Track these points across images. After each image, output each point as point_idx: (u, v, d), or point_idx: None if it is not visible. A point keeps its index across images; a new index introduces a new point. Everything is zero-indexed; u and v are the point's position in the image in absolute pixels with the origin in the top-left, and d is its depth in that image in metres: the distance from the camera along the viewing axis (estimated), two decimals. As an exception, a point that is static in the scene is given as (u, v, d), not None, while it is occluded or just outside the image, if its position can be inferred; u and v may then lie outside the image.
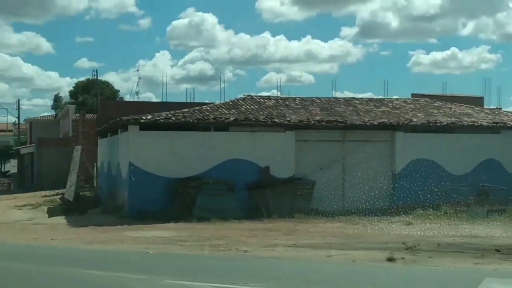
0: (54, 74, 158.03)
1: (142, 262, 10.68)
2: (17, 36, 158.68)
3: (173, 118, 20.49)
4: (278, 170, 20.68)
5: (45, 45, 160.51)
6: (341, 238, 14.15)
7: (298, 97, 25.66)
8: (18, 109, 58.82)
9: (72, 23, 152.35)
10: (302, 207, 19.72)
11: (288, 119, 21.55)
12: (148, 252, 11.93)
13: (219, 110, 22.23)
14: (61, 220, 19.45)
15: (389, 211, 19.21)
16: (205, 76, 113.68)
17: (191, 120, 20.56)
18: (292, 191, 20.31)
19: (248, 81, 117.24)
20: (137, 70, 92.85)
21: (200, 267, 10.16)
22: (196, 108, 22.64)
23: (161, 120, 20.22)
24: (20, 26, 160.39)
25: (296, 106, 23.97)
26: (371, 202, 19.98)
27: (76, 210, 21.31)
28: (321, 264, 10.62)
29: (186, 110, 22.06)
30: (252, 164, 20.50)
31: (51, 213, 21.48)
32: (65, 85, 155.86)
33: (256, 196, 19.97)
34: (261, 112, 22.35)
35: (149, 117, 20.14)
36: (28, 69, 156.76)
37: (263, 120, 21.23)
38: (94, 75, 36.07)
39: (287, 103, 24.38)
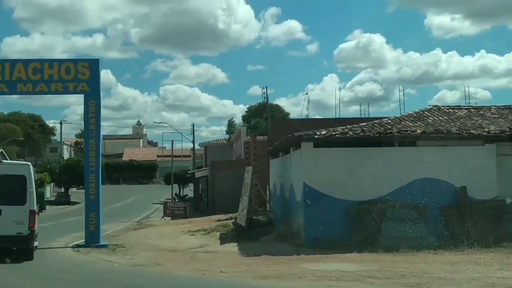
0: (228, 102, 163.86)
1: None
2: (194, 68, 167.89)
3: (350, 132, 18.25)
4: (477, 191, 17.42)
5: (220, 75, 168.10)
6: None
7: (494, 106, 22.16)
8: (193, 133, 60.43)
9: (244, 53, 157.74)
10: (510, 235, 16.35)
11: (486, 130, 18.27)
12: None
13: (403, 122, 19.59)
14: (232, 247, 17.99)
15: None
16: (374, 97, 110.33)
17: (371, 134, 18.18)
18: (496, 216, 17.02)
19: (419, 100, 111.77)
20: (306, 93, 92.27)
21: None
22: (375, 121, 20.24)
23: (337, 135, 18.08)
24: (197, 58, 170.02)
25: (492, 116, 20.56)
26: None
27: (249, 236, 19.82)
28: None
29: (364, 124, 19.74)
30: (445, 184, 17.49)
31: (223, 239, 20.20)
32: (238, 112, 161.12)
33: (452, 221, 16.96)
34: (452, 124, 19.32)
35: (323, 132, 18.11)
36: (205, 98, 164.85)
37: (457, 132, 18.18)
38: (265, 97, 34.86)
39: (481, 112, 21.05)
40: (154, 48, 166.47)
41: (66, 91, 19.26)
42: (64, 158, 73.37)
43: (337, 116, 40.07)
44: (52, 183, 65.88)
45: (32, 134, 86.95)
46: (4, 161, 19.78)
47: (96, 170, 19.01)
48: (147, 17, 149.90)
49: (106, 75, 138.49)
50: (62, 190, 66.26)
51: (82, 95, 19.19)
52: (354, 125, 19.42)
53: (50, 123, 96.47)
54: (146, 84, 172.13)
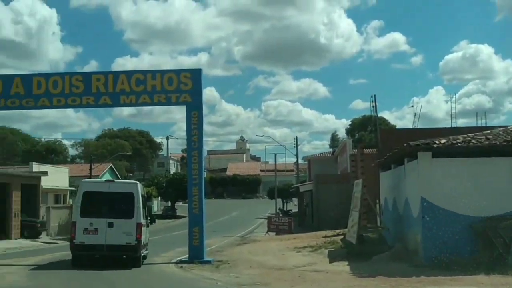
0: (330, 117, 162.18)
1: None
2: (296, 84, 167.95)
3: (473, 141, 16.44)
4: None
5: (322, 90, 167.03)
6: None
7: None
8: (296, 146, 59.42)
9: (346, 67, 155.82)
10: None
11: None
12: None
13: (531, 130, 17.49)
14: (343, 267, 16.64)
15: None
16: (483, 109, 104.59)
17: (498, 143, 16.27)
18: None
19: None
20: (412, 106, 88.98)
21: None
22: (500, 129, 18.26)
23: (459, 144, 16.33)
24: (298, 74, 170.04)
25: None
26: None
27: (360, 255, 18.35)
28: None
29: (488, 132, 17.84)
30: None
31: (332, 257, 18.87)
32: (341, 126, 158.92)
33: None
34: None
35: (443, 141, 16.40)
36: (307, 113, 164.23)
37: None
38: (373, 106, 33.21)
39: None
40: (256, 64, 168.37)
41: (168, 102, 18.83)
42: (171, 173, 74.72)
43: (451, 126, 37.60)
44: (159, 197, 67.21)
45: (140, 150, 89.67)
46: (116, 180, 21.69)
47: (199, 183, 18.37)
48: (250, 34, 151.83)
49: (210, 92, 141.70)
50: (169, 204, 67.51)
51: (185, 106, 18.67)
52: (477, 133, 17.58)
53: (157, 138, 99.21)
54: (249, 100, 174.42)
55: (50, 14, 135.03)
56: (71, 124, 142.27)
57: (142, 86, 18.39)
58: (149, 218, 20.03)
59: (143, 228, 17.93)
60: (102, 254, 17.80)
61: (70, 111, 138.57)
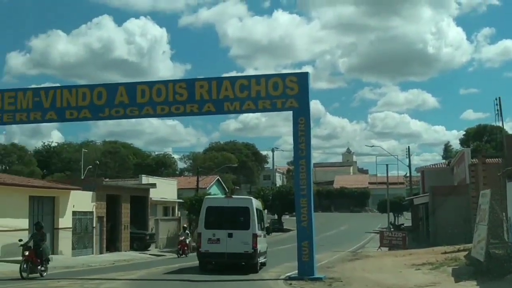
0: (440, 128, 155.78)
1: None
2: (403, 95, 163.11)
3: None
4: None
5: (431, 100, 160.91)
6: None
7: None
8: (409, 157, 56.64)
9: (455, 76, 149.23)
10: None
11: None
12: None
13: None
14: (471, 287, 14.74)
15: None
16: None
17: None
18: None
19: None
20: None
21: None
22: None
23: None
24: (405, 85, 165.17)
25: None
26: None
27: (489, 274, 16.31)
28: None
29: None
30: None
31: (457, 276, 16.93)
32: (452, 137, 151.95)
33: None
34: None
35: None
36: (415, 124, 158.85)
37: None
38: (497, 110, 30.46)
39: None
40: (362, 76, 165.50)
41: (273, 108, 17.77)
42: (276, 185, 74.02)
43: None
44: (265, 210, 66.66)
45: (246, 162, 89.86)
46: (233, 196, 25.30)
47: (308, 194, 17.13)
48: (354, 46, 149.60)
49: (315, 105, 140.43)
50: (275, 217, 66.68)
51: (290, 113, 17.53)
52: None
53: (263, 151, 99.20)
54: (355, 113, 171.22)
55: (161, 33, 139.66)
56: (181, 139, 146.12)
57: (246, 92, 17.47)
58: (265, 230, 22.76)
59: (258, 238, 20.06)
60: (224, 261, 20.18)
61: (179, 127, 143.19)
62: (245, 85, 17.51)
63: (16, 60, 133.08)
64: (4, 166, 75.55)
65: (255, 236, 19.73)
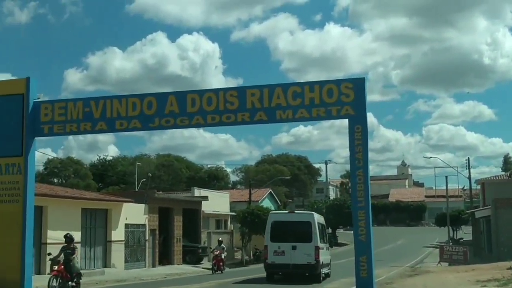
0: (497, 140, 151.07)
1: None
2: (458, 107, 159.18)
3: None
4: None
5: (487, 112, 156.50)
6: None
7: None
8: (469, 168, 54.64)
9: None
10: None
11: None
12: None
13: None
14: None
15: None
16: None
17: None
18: None
19: None
20: None
21: None
22: None
23: None
24: (461, 96, 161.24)
25: None
26: None
27: None
28: None
29: None
30: None
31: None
32: (509, 150, 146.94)
33: None
34: None
35: None
36: (471, 137, 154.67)
37: None
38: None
39: None
40: (416, 88, 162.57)
41: (328, 116, 16.92)
42: (330, 198, 72.78)
43: None
44: (320, 224, 65.52)
45: (298, 175, 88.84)
46: (296, 211, 27.45)
47: (366, 206, 16.16)
48: (408, 58, 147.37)
49: (368, 118, 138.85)
50: (329, 230, 65.47)
51: (343, 125, 16.68)
52: None
53: (315, 164, 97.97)
54: (409, 125, 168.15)
55: (213, 48, 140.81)
56: (233, 153, 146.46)
57: (299, 100, 16.68)
58: (327, 243, 24.52)
59: (321, 251, 21.80)
60: (288, 271, 22.02)
61: (232, 140, 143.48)
62: (298, 92, 16.74)
63: (73, 77, 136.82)
64: (60, 179, 76.98)
65: (317, 248, 21.48)
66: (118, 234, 29.52)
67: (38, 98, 18.08)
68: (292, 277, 21.93)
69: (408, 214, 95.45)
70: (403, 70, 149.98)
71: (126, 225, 30.33)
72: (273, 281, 22.06)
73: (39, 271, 24.09)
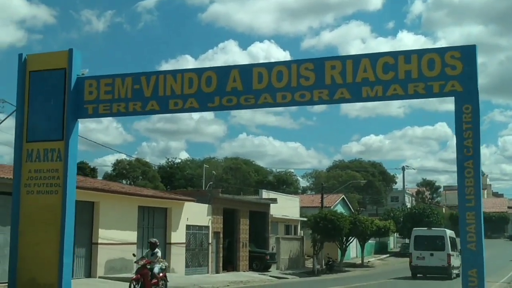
0: None
1: None
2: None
3: None
4: None
5: None
6: None
7: None
8: None
9: None
10: None
11: None
12: None
13: None
14: None
15: None
16: None
17: None
18: None
19: None
20: None
21: None
22: None
23: None
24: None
25: None
26: None
27: None
28: None
29: None
30: None
31: None
32: None
33: None
34: None
35: None
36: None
37: None
38: None
39: None
40: (491, 98, 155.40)
41: (428, 94, 13.56)
42: (408, 207, 68.37)
43: None
44: (396, 233, 61.36)
45: (373, 182, 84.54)
46: (432, 228, 37.16)
47: (476, 206, 12.74)
48: (484, 66, 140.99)
49: (441, 128, 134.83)
50: (406, 240, 61.30)
51: (452, 99, 13.32)
52: None
53: (391, 170, 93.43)
54: (484, 135, 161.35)
55: (284, 56, 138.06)
56: (302, 161, 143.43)
57: (391, 73, 13.45)
58: (457, 251, 30.63)
59: (451, 257, 30.26)
60: (427, 272, 30.71)
61: (301, 149, 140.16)
62: (390, 64, 13.50)
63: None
64: (128, 181, 76.20)
65: (449, 255, 30.04)
66: (178, 235, 27.01)
67: (83, 74, 15.70)
68: (430, 276, 30.38)
69: (490, 226, 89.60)
70: (479, 79, 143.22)
71: (188, 227, 27.80)
72: (417, 278, 30.54)
73: (89, 274, 21.75)
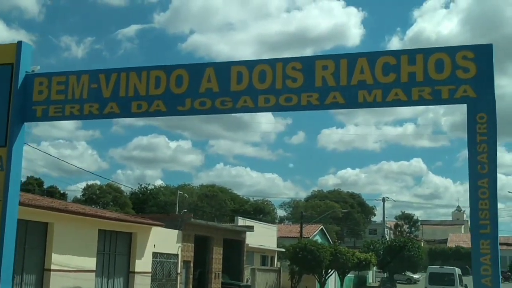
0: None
1: None
2: (510, 156, 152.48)
3: None
4: None
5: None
6: None
7: None
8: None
9: None
10: None
11: None
12: None
13: None
14: None
15: None
16: None
17: None
18: None
19: None
20: None
21: None
22: None
23: None
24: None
25: None
26: None
27: None
28: None
29: None
30: None
31: None
32: None
33: None
34: None
35: None
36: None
37: None
38: None
39: None
40: (465, 135, 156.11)
41: (436, 100, 11.55)
42: (387, 239, 66.46)
43: None
44: (375, 266, 59.28)
45: (351, 213, 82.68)
46: (444, 266, 42.36)
47: (492, 232, 10.65)
48: (458, 104, 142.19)
49: (417, 163, 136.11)
50: (385, 275, 59.22)
51: (464, 105, 11.36)
52: None
53: (370, 202, 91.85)
54: (458, 173, 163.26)
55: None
56: (279, 193, 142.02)
57: (393, 75, 11.47)
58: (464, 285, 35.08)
59: None
60: None
61: (278, 180, 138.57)
62: (391, 64, 11.53)
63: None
64: (98, 206, 73.40)
65: None
66: (143, 264, 24.59)
67: (33, 71, 13.48)
68: None
69: (469, 261, 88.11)
70: (454, 116, 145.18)
71: (155, 254, 25.41)
72: None
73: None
